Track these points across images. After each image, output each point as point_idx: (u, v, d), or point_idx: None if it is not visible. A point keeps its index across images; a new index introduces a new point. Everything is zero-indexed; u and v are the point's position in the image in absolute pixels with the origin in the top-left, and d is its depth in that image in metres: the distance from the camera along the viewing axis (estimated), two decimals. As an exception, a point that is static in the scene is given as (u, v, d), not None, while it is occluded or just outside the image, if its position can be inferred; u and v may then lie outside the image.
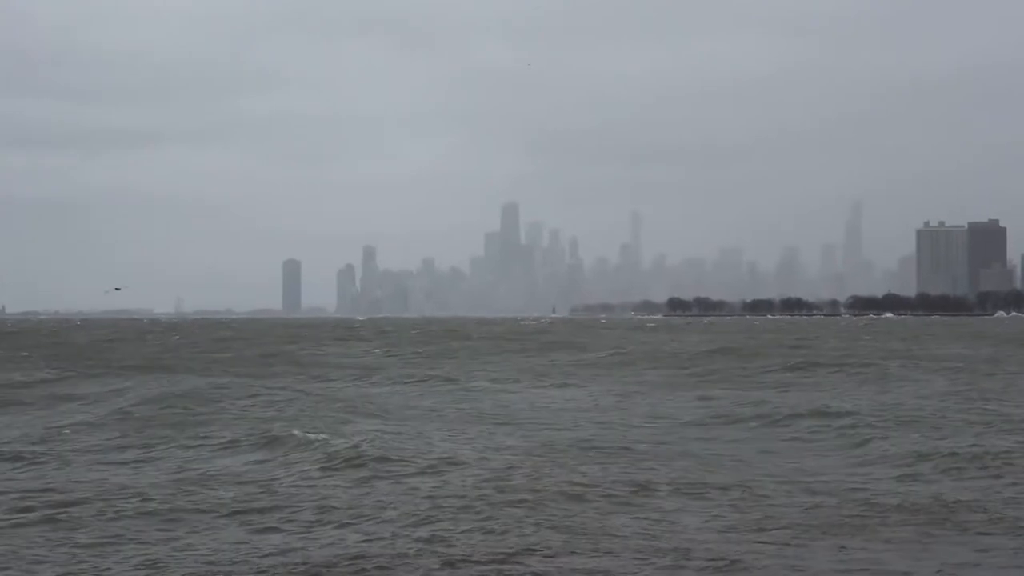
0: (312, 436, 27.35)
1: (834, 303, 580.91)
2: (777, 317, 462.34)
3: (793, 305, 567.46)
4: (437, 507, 18.93)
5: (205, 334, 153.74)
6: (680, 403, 40.16)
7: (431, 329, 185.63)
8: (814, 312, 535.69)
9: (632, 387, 48.22)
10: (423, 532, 17.09)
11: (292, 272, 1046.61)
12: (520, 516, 18.12)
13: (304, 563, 15.46)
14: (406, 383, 51.19)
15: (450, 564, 15.32)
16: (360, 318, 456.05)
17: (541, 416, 35.86)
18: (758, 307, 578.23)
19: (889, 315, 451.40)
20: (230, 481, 22.28)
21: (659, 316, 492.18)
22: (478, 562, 15.41)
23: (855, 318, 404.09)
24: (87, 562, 15.99)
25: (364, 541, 16.66)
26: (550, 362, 71.78)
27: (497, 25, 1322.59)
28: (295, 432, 28.28)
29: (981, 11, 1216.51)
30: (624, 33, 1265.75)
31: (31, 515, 19.13)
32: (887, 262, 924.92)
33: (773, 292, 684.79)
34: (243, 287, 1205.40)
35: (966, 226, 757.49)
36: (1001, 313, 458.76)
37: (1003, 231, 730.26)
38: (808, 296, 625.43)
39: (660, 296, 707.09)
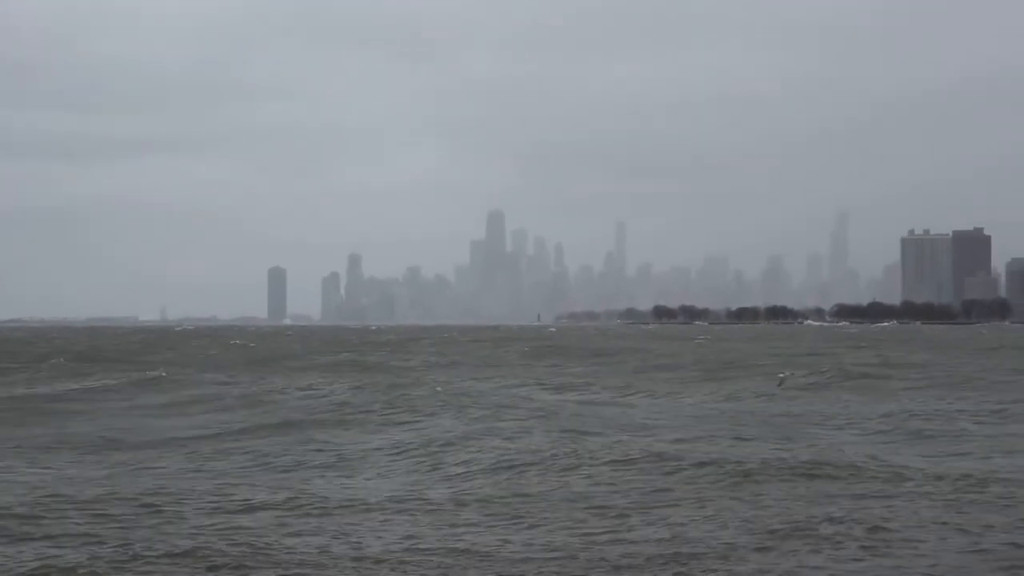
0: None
1: (819, 311, 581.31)
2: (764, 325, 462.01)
3: (778, 313, 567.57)
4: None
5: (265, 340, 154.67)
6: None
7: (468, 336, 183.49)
8: (799, 320, 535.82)
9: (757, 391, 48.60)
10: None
11: (277, 279, 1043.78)
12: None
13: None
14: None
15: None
16: (351, 324, 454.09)
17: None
18: (743, 315, 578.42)
19: (846, 323, 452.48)
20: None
21: (651, 325, 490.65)
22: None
23: (829, 326, 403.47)
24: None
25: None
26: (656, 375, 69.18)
27: (489, 37, 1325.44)
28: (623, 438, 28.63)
29: (970, 27, 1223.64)
30: (615, 45, 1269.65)
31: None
32: (872, 270, 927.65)
33: (758, 300, 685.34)
34: (228, 294, 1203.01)
35: (951, 234, 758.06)
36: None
37: (987, 239, 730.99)
38: (793, 304, 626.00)
39: (645, 304, 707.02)
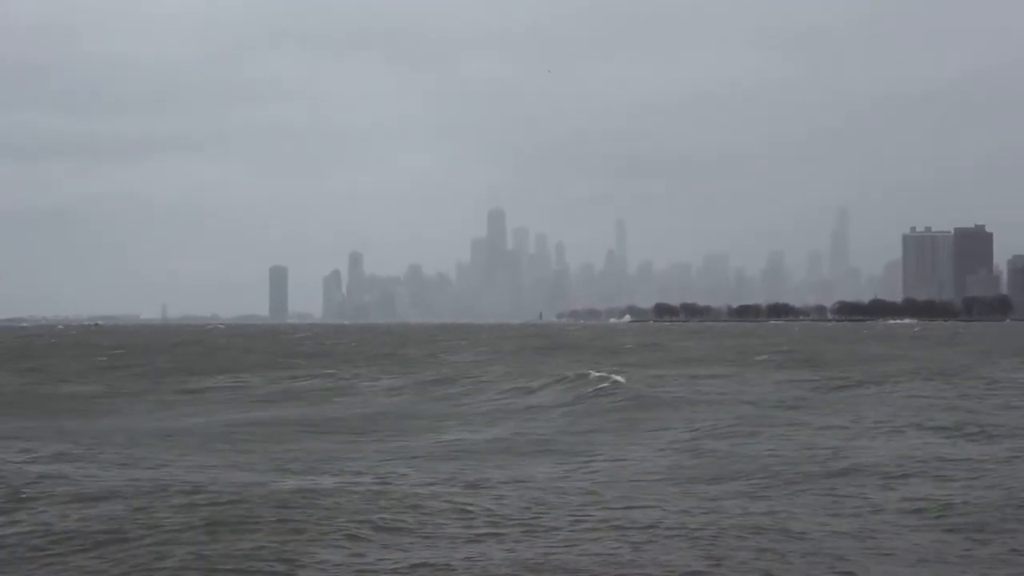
0: None
1: (820, 308, 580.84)
2: (770, 322, 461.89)
3: (780, 311, 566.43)
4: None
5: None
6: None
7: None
8: (800, 318, 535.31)
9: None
10: None
11: (279, 278, 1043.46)
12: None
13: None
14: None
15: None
16: (356, 323, 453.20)
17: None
18: (745, 312, 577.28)
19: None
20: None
21: (675, 322, 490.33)
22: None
23: (834, 324, 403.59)
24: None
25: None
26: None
27: (488, 38, 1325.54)
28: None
29: (967, 24, 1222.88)
30: (613, 46, 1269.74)
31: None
32: (873, 268, 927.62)
33: (759, 298, 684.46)
34: (229, 293, 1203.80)
35: (952, 231, 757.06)
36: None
37: (989, 236, 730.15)
38: (795, 302, 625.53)
39: (646, 302, 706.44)
